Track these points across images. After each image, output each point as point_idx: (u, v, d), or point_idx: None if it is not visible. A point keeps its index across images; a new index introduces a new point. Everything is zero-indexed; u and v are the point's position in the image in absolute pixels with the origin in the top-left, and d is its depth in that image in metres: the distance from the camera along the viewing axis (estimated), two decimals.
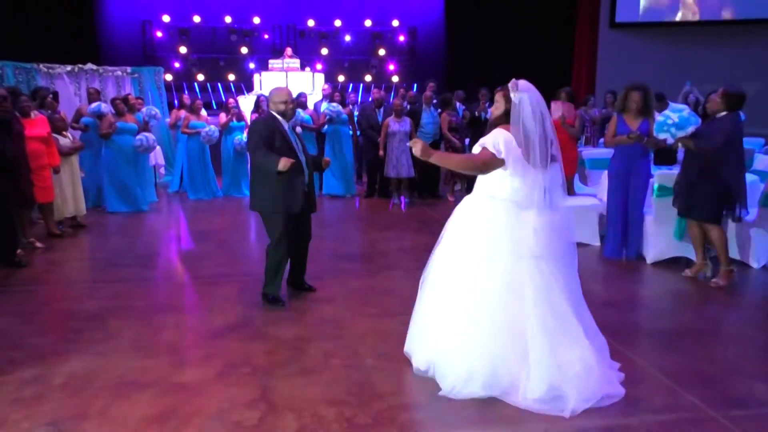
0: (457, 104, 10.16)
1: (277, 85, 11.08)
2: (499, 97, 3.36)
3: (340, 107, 9.79)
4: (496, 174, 3.28)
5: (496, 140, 3.22)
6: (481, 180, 3.40)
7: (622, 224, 5.98)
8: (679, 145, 5.56)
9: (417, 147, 3.25)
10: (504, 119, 3.31)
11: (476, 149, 3.33)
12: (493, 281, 3.18)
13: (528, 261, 3.18)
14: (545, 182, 3.26)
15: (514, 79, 3.29)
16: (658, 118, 5.64)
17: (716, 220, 5.11)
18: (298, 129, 4.56)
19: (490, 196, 3.33)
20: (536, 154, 3.19)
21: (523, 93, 3.21)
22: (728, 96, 4.98)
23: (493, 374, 3.11)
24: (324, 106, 10.18)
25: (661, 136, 5.30)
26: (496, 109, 3.38)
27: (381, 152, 9.21)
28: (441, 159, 3.60)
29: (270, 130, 4.44)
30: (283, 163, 4.24)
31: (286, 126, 4.52)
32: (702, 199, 5.06)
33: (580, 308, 3.29)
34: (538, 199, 3.24)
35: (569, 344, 3.11)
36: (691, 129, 5.09)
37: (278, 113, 4.51)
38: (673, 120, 5.51)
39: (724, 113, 5.02)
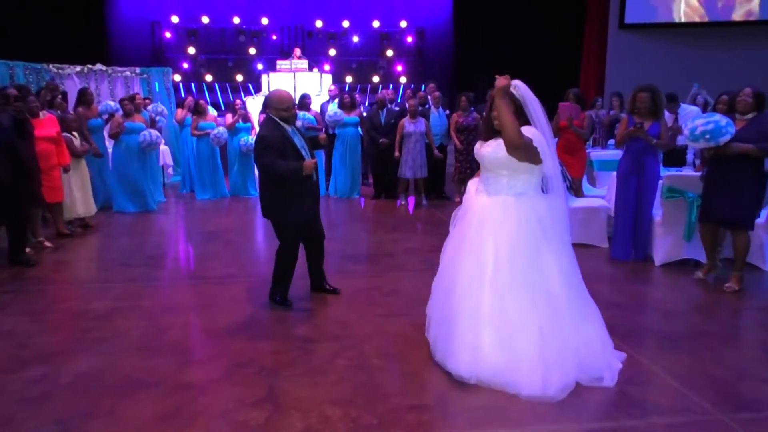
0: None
1: (284, 86, 11.18)
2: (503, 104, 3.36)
3: (341, 113, 9.75)
4: (524, 171, 3.33)
5: (529, 135, 3.25)
6: (505, 181, 3.39)
7: (630, 225, 5.95)
8: (688, 146, 5.51)
9: (501, 81, 3.30)
10: (521, 121, 3.30)
11: (488, 155, 3.40)
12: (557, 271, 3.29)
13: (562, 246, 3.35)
14: (546, 171, 3.38)
15: (505, 77, 3.32)
16: (706, 125, 5.43)
17: (753, 227, 5.05)
18: (299, 123, 4.47)
19: (519, 194, 3.36)
20: (551, 144, 3.31)
21: (522, 90, 3.32)
22: (758, 96, 4.89)
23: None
24: (331, 106, 10.20)
25: (722, 140, 5.10)
26: (507, 113, 3.22)
27: (397, 153, 9.19)
28: (502, 110, 3.25)
29: (280, 142, 4.33)
30: (308, 168, 4.24)
31: (289, 130, 4.44)
32: (751, 205, 4.94)
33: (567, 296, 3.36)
34: (558, 187, 3.39)
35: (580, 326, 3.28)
36: (727, 137, 4.93)
37: (280, 119, 4.40)
38: (724, 121, 5.28)
39: (753, 114, 4.91)
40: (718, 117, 5.20)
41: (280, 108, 4.39)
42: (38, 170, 6.11)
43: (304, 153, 4.46)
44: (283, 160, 4.30)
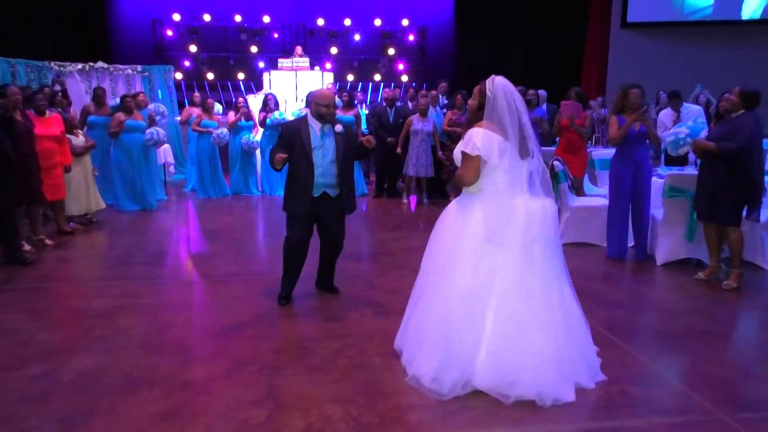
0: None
1: (285, 84, 11.17)
2: (476, 91, 3.40)
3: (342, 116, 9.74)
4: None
5: (469, 143, 3.25)
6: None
7: (626, 225, 5.95)
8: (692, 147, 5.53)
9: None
10: (479, 115, 3.35)
11: (458, 157, 3.37)
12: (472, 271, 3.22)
13: (515, 248, 3.22)
14: (530, 169, 3.33)
15: (492, 75, 3.35)
16: (669, 137, 5.70)
17: (739, 223, 5.05)
18: (338, 128, 4.54)
19: (469, 193, 3.37)
20: (515, 145, 3.25)
21: (498, 87, 3.26)
22: (745, 94, 4.92)
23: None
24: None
25: (681, 151, 5.31)
26: (472, 102, 3.43)
27: (399, 149, 9.17)
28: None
29: (292, 134, 4.46)
30: (276, 160, 4.38)
31: (317, 129, 4.45)
32: (726, 202, 4.98)
33: (561, 297, 3.30)
34: (525, 185, 3.31)
35: (536, 331, 3.15)
36: (704, 133, 5.07)
37: (317, 116, 4.45)
38: (685, 132, 5.57)
39: (741, 112, 4.95)
40: (682, 129, 5.44)
41: (320, 104, 4.45)
42: (38, 168, 6.11)
43: (315, 154, 4.42)
44: (286, 151, 4.42)
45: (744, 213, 5.07)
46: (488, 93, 3.28)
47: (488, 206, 3.26)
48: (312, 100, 4.56)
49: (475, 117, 3.39)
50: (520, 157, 3.28)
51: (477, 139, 3.23)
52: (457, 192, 3.73)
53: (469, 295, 3.19)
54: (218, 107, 10.86)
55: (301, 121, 4.56)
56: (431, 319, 3.29)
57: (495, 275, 3.20)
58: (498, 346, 3.14)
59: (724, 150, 4.88)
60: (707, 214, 5.15)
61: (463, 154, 3.30)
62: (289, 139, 4.45)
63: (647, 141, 5.94)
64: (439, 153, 9.23)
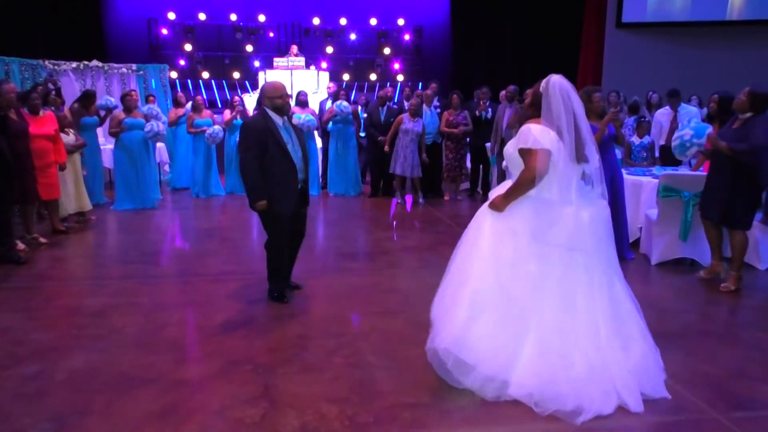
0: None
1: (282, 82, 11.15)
2: (529, 91, 3.34)
3: (349, 106, 9.77)
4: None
5: (528, 138, 3.14)
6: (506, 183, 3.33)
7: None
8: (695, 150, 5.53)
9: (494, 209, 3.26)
10: (532, 111, 3.25)
11: (513, 156, 3.25)
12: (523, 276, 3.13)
13: (565, 254, 3.13)
14: (586, 172, 3.23)
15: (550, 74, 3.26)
16: (675, 140, 5.66)
17: (749, 227, 5.01)
18: (295, 119, 4.47)
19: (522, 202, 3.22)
20: (568, 144, 3.13)
21: (554, 86, 3.15)
22: (754, 95, 4.78)
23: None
24: (329, 104, 10.21)
25: (689, 153, 5.27)
26: (525, 101, 3.34)
27: (386, 148, 9.16)
28: (509, 196, 3.23)
29: (263, 133, 4.32)
30: (259, 207, 4.33)
31: (280, 123, 4.41)
32: (737, 206, 4.89)
33: (613, 307, 3.19)
34: (573, 193, 3.19)
35: (579, 342, 3.05)
36: (693, 149, 5.05)
37: (273, 108, 4.40)
38: (689, 134, 5.54)
39: (749, 115, 4.83)
40: (686, 131, 5.38)
41: (273, 96, 4.39)
42: (32, 167, 6.09)
43: (290, 148, 4.42)
44: (262, 152, 4.31)
45: (758, 217, 5.05)
46: (542, 91, 3.18)
47: (537, 209, 3.17)
48: (264, 95, 4.45)
49: (527, 114, 3.29)
50: (575, 162, 3.16)
51: (536, 133, 3.12)
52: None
53: (510, 298, 3.11)
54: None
55: (263, 118, 4.39)
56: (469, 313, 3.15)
57: (539, 281, 3.11)
58: (540, 355, 3.05)
59: (736, 151, 4.76)
60: (716, 217, 5.07)
61: (522, 151, 3.17)
62: (262, 139, 4.31)
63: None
64: (423, 155, 9.16)
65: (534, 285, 3.12)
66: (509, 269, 3.15)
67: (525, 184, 3.17)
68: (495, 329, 3.10)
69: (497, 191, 3.35)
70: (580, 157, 3.18)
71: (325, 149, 10.22)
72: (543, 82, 3.21)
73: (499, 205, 3.24)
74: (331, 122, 9.81)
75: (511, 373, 3.08)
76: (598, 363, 3.04)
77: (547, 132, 3.14)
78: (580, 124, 3.16)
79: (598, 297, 3.14)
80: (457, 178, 9.50)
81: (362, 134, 10.28)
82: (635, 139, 7.64)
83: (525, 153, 3.17)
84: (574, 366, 3.02)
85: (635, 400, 3.03)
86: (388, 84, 14.54)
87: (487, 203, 3.36)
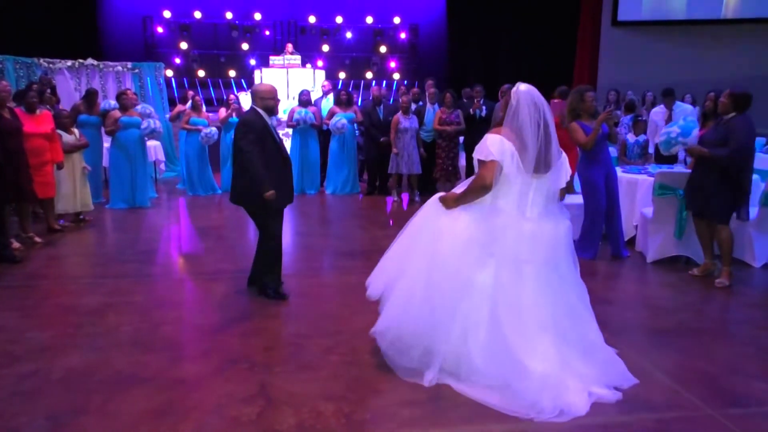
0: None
1: (277, 81, 11.13)
2: (503, 101, 3.38)
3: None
4: None
5: (483, 149, 3.22)
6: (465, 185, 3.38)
7: (601, 228, 5.97)
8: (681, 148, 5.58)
9: (443, 203, 3.36)
10: (503, 117, 3.30)
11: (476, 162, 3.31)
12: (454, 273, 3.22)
13: (506, 263, 3.21)
14: (541, 188, 3.26)
15: (518, 82, 3.29)
16: (661, 136, 5.72)
17: (728, 221, 5.08)
18: (274, 120, 4.60)
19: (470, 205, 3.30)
20: (528, 157, 3.16)
21: (521, 95, 3.18)
22: (734, 97, 4.89)
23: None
24: (324, 101, 10.20)
25: (673, 150, 5.34)
26: (500, 112, 3.39)
27: (395, 150, 9.12)
28: (459, 200, 3.34)
29: (262, 130, 4.43)
30: (270, 196, 4.34)
31: (269, 122, 4.53)
32: (717, 200, 5.00)
33: (564, 317, 3.27)
34: (529, 205, 3.25)
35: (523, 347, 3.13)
36: (695, 132, 5.09)
37: (265, 109, 4.49)
38: (676, 131, 5.60)
39: (732, 115, 4.93)
40: (674, 129, 5.44)
41: (267, 98, 4.49)
42: (27, 165, 6.06)
43: (282, 146, 4.62)
44: (262, 148, 4.38)
45: (735, 214, 5.11)
46: (511, 101, 3.21)
47: (485, 218, 3.23)
48: (258, 95, 4.53)
49: (498, 120, 3.34)
50: (534, 172, 3.18)
51: (491, 146, 3.17)
52: (450, 188, 3.73)
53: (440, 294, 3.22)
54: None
55: (257, 116, 4.48)
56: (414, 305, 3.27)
57: (469, 285, 3.20)
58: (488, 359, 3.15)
59: (717, 157, 4.87)
60: (698, 209, 5.20)
61: (479, 160, 3.24)
62: (261, 134, 4.41)
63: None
64: (421, 150, 9.21)
65: (463, 287, 3.20)
66: (441, 269, 3.23)
67: (474, 191, 3.26)
68: (427, 317, 3.22)
69: (459, 188, 3.42)
70: (543, 165, 3.19)
71: (322, 148, 10.20)
72: (512, 95, 3.24)
73: (448, 203, 3.35)
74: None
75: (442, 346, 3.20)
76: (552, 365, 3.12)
77: (502, 143, 3.17)
78: (550, 131, 3.21)
79: (544, 305, 3.21)
80: (452, 177, 9.50)
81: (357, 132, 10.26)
82: (631, 137, 7.66)
83: (480, 162, 3.25)
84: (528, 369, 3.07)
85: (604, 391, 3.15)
86: (385, 82, 14.53)
87: (438, 195, 3.49)
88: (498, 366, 3.10)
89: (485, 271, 3.21)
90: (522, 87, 3.22)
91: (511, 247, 3.20)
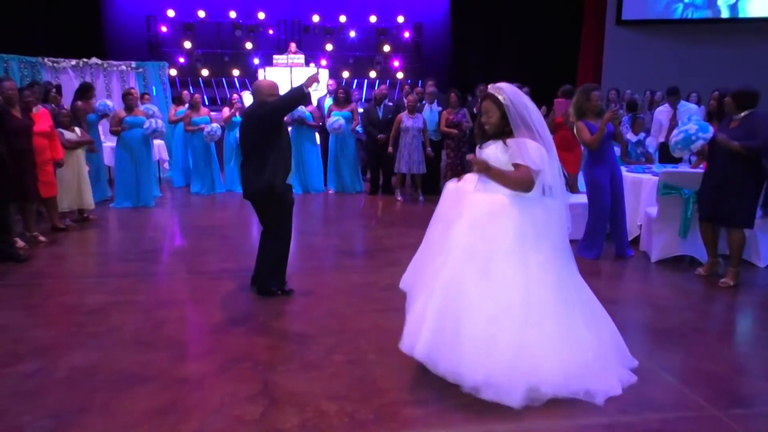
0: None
1: (280, 80, 11.13)
2: (488, 105, 3.26)
3: (338, 118, 9.71)
4: None
5: (526, 156, 3.12)
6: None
7: (605, 227, 5.95)
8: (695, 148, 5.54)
9: (478, 165, 3.22)
10: (506, 125, 3.22)
11: (502, 160, 3.22)
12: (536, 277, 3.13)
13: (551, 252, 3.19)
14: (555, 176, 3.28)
15: (491, 85, 3.29)
16: (677, 135, 5.67)
17: (752, 225, 5.01)
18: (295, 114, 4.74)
19: (516, 195, 3.19)
20: (546, 143, 3.19)
21: (511, 92, 3.19)
22: (737, 96, 4.87)
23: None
24: (328, 100, 10.19)
25: (694, 147, 5.31)
26: (491, 118, 3.27)
27: (390, 149, 9.16)
28: (498, 174, 3.21)
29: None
30: (311, 80, 4.36)
31: None
32: (743, 203, 4.90)
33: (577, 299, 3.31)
34: (554, 188, 3.25)
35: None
36: (700, 143, 5.07)
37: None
38: (694, 128, 5.56)
39: (746, 113, 4.86)
40: (690, 126, 5.39)
41: (271, 94, 4.53)
42: (32, 165, 6.07)
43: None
44: (275, 136, 4.49)
45: (759, 214, 5.07)
46: (503, 102, 3.19)
47: (527, 209, 3.17)
48: (261, 91, 4.56)
49: (503, 129, 3.25)
50: (552, 155, 3.25)
51: (533, 153, 3.12)
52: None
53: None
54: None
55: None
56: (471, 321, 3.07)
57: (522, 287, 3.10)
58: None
59: (750, 148, 4.73)
60: (714, 215, 5.07)
61: (516, 165, 3.16)
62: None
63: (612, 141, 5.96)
64: (428, 149, 9.22)
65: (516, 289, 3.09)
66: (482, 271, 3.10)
67: (519, 184, 3.15)
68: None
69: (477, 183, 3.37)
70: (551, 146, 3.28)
71: (324, 147, 10.20)
72: (501, 97, 3.20)
73: (491, 173, 3.19)
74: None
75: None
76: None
77: (539, 150, 3.15)
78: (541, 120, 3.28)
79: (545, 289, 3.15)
80: (461, 174, 9.50)
81: (359, 129, 10.25)
82: (631, 136, 7.64)
83: (517, 166, 3.17)
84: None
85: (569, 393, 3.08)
86: (388, 82, 14.51)
87: (471, 176, 3.43)
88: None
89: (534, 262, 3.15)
90: (507, 87, 3.22)
91: (555, 231, 3.23)
